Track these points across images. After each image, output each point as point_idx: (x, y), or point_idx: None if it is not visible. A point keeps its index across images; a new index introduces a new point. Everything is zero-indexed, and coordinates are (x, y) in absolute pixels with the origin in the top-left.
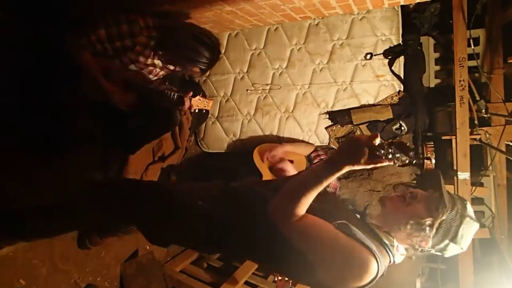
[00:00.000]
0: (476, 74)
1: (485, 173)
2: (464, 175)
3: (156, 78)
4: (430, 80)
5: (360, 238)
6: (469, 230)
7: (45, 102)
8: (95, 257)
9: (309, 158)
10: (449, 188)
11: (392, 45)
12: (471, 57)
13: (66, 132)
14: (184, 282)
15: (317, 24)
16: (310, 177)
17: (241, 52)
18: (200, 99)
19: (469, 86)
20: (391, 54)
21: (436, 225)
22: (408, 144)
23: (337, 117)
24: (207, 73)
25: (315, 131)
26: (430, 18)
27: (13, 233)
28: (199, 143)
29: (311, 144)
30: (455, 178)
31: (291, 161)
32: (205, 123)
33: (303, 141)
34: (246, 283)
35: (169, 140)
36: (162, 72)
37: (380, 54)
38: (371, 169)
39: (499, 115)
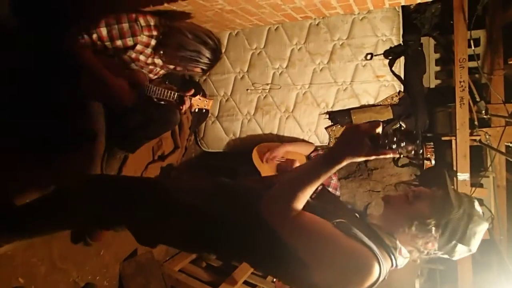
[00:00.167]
0: (477, 75)
1: (484, 174)
2: (463, 176)
3: (156, 77)
4: (431, 80)
5: (361, 238)
6: (478, 229)
7: (45, 102)
8: (94, 256)
9: (309, 158)
10: None
11: (392, 46)
12: (471, 58)
13: (66, 132)
14: (183, 281)
15: (317, 24)
16: (308, 171)
17: (241, 52)
18: (200, 99)
19: (469, 87)
20: (391, 54)
21: (442, 225)
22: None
23: (337, 117)
24: (207, 73)
25: (315, 131)
26: (431, 18)
27: (11, 232)
28: (199, 143)
29: (311, 143)
30: (454, 179)
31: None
32: (205, 122)
33: (303, 141)
34: (245, 282)
35: (169, 139)
36: (162, 71)
37: (380, 54)
38: (371, 169)
39: (499, 116)
